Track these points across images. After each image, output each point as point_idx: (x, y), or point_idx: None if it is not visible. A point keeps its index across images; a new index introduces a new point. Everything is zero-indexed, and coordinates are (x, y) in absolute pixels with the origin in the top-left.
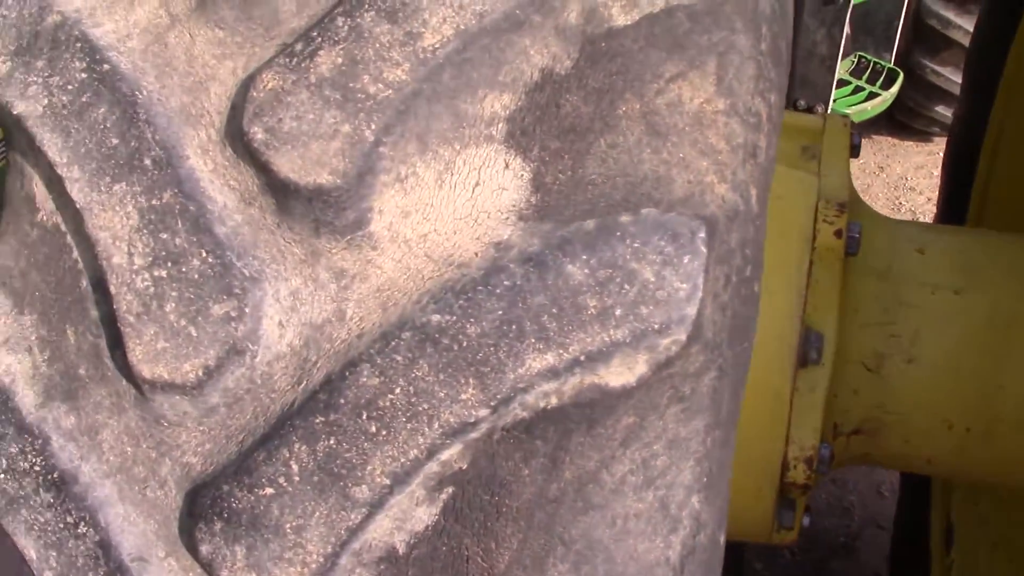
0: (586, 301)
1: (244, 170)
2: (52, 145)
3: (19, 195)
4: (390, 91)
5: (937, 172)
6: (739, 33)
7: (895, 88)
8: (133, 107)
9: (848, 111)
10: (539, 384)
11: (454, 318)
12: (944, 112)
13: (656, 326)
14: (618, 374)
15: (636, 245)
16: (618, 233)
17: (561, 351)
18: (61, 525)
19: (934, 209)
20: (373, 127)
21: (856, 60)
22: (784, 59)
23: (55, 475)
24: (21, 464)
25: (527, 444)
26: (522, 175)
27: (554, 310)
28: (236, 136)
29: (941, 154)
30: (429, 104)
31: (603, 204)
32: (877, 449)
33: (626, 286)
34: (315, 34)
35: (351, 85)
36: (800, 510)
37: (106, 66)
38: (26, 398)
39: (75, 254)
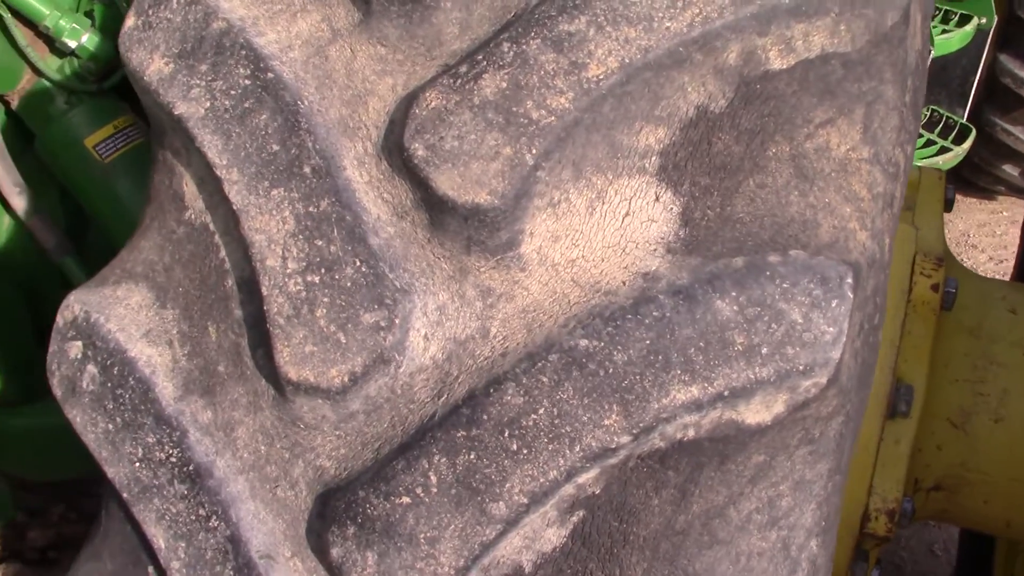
0: (733, 337)
1: (399, 184)
2: (212, 147)
3: (166, 192)
4: (552, 118)
5: (1000, 231)
6: (887, 84)
7: (967, 144)
8: (295, 116)
9: (919, 164)
10: (681, 416)
11: (601, 344)
12: (1011, 171)
13: (801, 367)
14: (756, 412)
15: (785, 286)
16: (767, 273)
17: (706, 384)
18: (193, 517)
19: (994, 268)
20: (533, 151)
21: (929, 113)
22: (919, 112)
23: (190, 467)
24: (157, 454)
25: (660, 474)
26: (672, 208)
27: (701, 343)
28: (394, 151)
29: (1005, 212)
30: (587, 133)
31: (751, 243)
32: (955, 507)
33: (773, 325)
34: (480, 57)
35: (514, 109)
36: (872, 563)
37: (270, 74)
38: (165, 390)
39: (222, 254)
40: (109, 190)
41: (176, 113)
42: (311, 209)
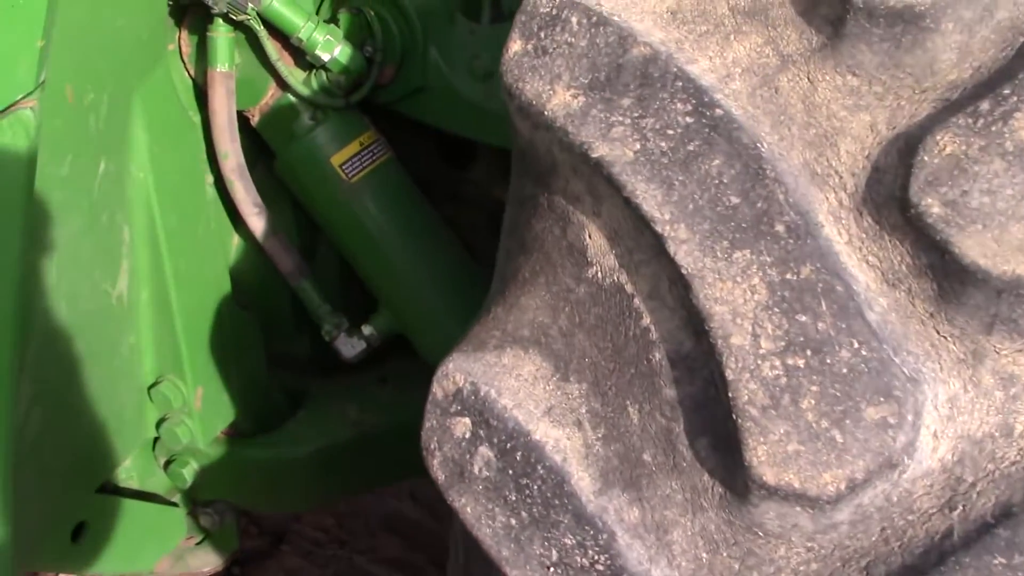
0: None
1: (890, 245)
2: (649, 198)
3: (557, 244)
4: None
5: None
6: None
7: None
8: (757, 161)
9: None
10: None
11: None
12: None
13: None
14: None
15: None
16: None
17: None
18: None
19: None
20: None
21: None
22: None
23: None
24: (578, 559)
25: None
26: None
27: None
28: (887, 205)
29: None
30: None
31: None
32: None
33: None
34: (1007, 92)
35: None
36: None
37: (717, 110)
38: (582, 481)
39: (646, 321)
40: (354, 212)
41: (595, 156)
42: (788, 276)
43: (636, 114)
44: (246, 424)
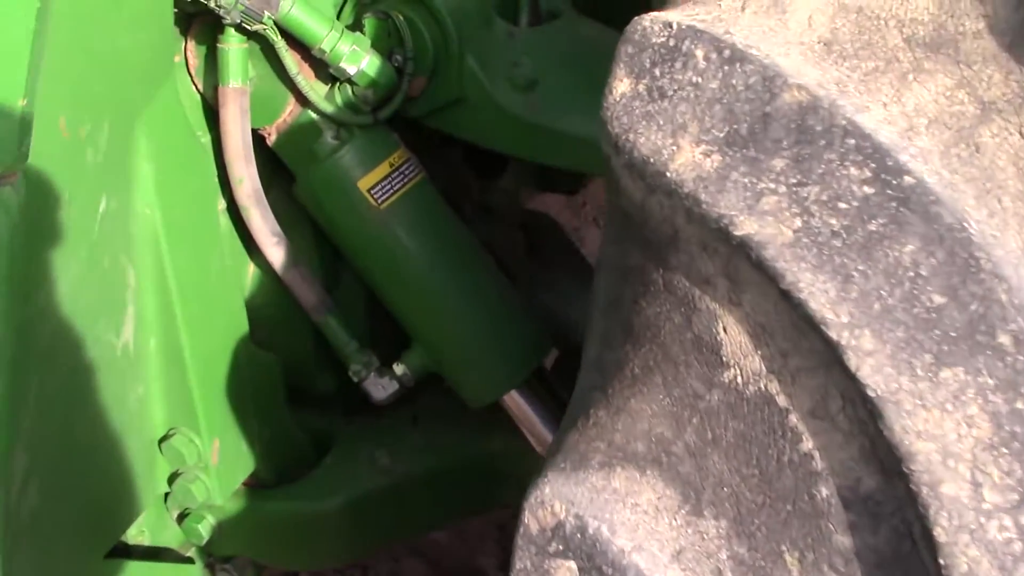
0: None
1: None
2: (817, 293)
3: (681, 337)
4: None
5: None
6: None
7: None
8: (966, 247)
9: None
10: None
11: None
12: None
13: None
14: None
15: None
16: None
17: None
18: None
19: None
20: None
21: None
22: None
23: None
24: None
25: None
26: None
27: None
28: None
29: None
30: None
31: None
32: None
33: None
34: None
35: None
36: None
37: (906, 178)
38: None
39: (806, 446)
40: (384, 241)
41: (739, 233)
42: (1020, 405)
43: (793, 180)
44: (267, 473)
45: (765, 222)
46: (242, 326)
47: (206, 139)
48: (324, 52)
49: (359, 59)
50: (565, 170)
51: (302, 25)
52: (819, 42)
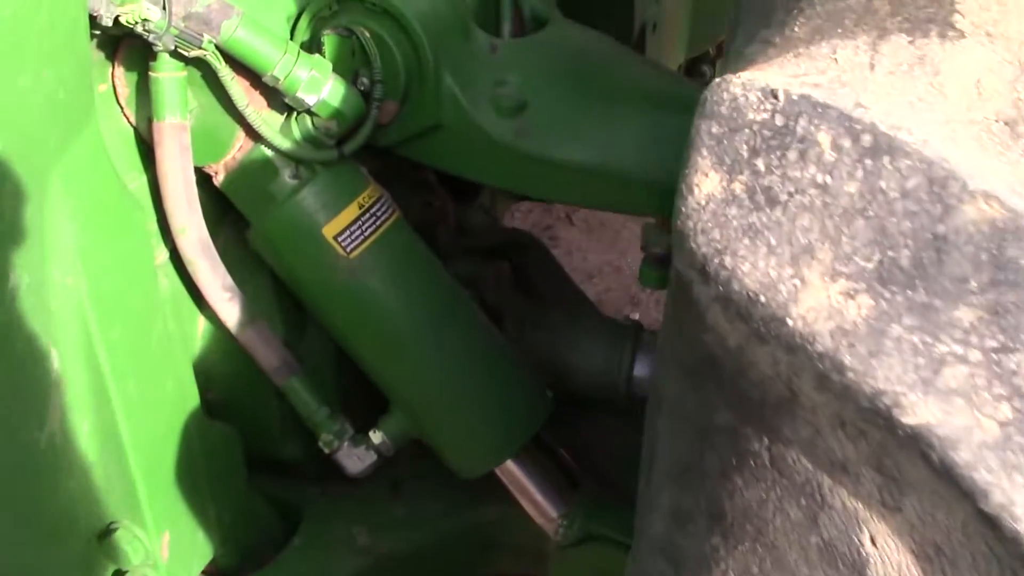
0: None
1: None
2: None
3: (799, 537)
4: None
5: None
6: None
7: None
8: None
9: None
10: None
11: None
12: None
13: None
14: None
15: None
16: None
17: None
18: None
19: None
20: None
21: None
22: None
23: None
24: None
25: None
26: None
27: None
28: None
29: None
30: None
31: None
32: None
33: None
34: None
35: None
36: None
37: None
38: None
39: None
40: (355, 295)
41: (911, 422)
42: None
43: (994, 343)
44: (228, 560)
45: (953, 407)
46: (191, 398)
47: (141, 180)
48: (277, 80)
49: (319, 87)
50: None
51: (249, 50)
52: (998, 120)
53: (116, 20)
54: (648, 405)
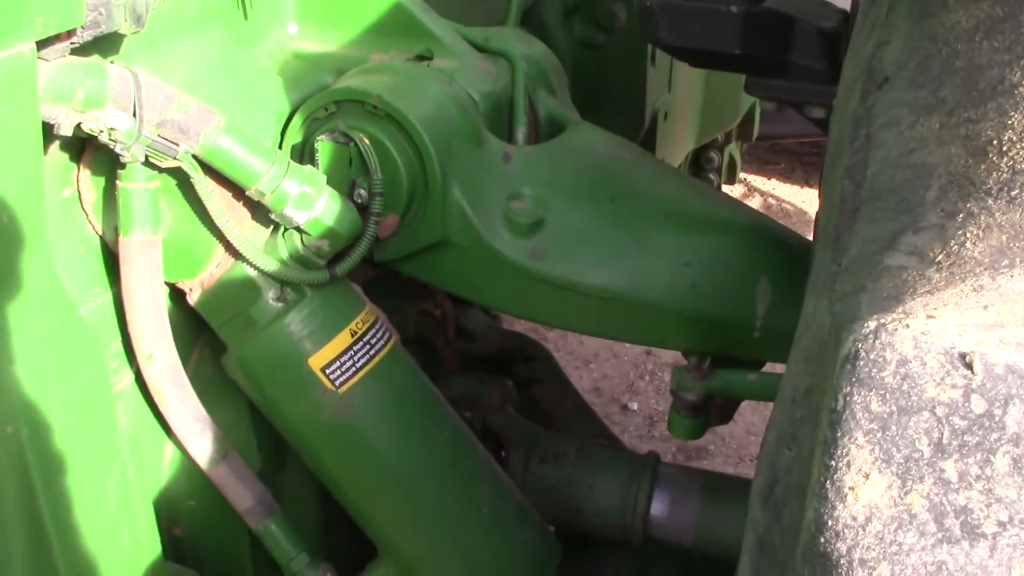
0: None
1: None
2: None
3: None
4: None
5: None
6: None
7: None
8: None
9: None
10: None
11: None
12: None
13: None
14: None
15: None
16: None
17: None
18: None
19: None
20: None
21: None
22: None
23: None
24: None
25: None
26: None
27: None
28: None
29: None
30: None
31: None
32: None
33: None
34: None
35: None
36: None
37: None
38: None
39: None
40: (343, 435)
41: None
42: None
43: None
44: None
45: None
46: (151, 551)
47: (106, 296)
48: (263, 195)
49: (310, 203)
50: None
51: (232, 161)
52: None
53: (78, 127)
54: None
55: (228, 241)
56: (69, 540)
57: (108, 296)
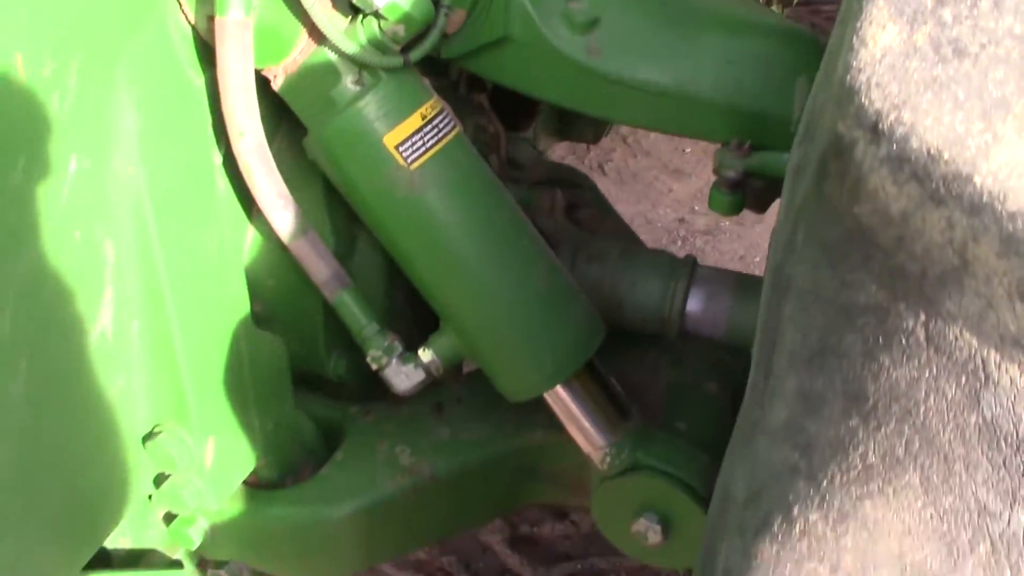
0: None
1: None
2: None
3: (955, 417)
4: None
5: None
6: None
7: None
8: None
9: None
10: None
11: None
12: None
13: None
14: None
15: None
16: None
17: None
18: None
19: None
20: None
21: None
22: None
23: None
24: None
25: None
26: None
27: None
28: None
29: None
30: None
31: None
32: None
33: None
34: None
35: None
36: None
37: None
38: None
39: None
40: (414, 208)
41: None
42: None
43: None
44: (269, 472)
45: None
46: (243, 305)
47: (199, 81)
48: None
49: None
50: (593, 117)
51: None
52: None
53: None
54: (766, 296)
55: (313, 25)
56: (176, 280)
57: (202, 82)
